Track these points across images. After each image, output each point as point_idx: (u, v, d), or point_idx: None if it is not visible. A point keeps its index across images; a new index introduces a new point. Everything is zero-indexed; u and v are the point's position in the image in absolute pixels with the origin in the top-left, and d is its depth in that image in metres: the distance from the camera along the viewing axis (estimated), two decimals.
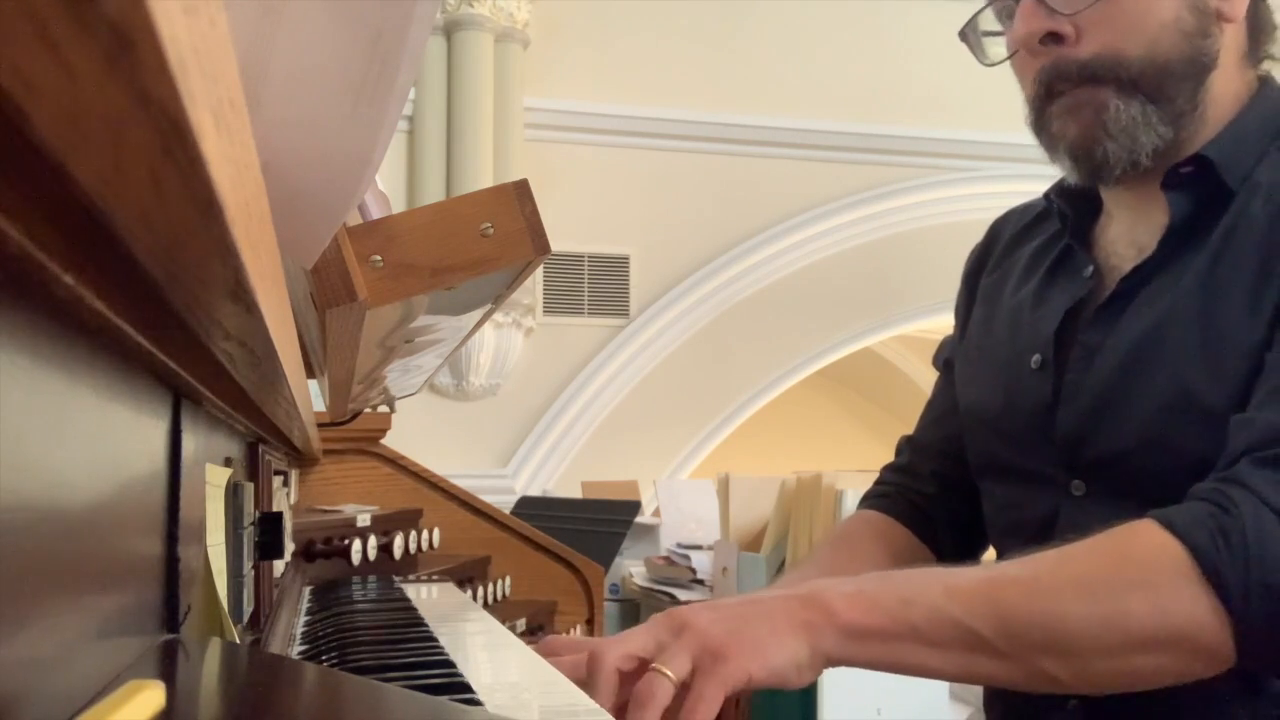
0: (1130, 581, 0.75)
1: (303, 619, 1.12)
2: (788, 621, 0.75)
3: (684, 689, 0.71)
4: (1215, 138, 0.91)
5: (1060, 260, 1.03)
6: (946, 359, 1.17)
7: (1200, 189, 0.90)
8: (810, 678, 0.76)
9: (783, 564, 2.92)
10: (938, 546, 1.11)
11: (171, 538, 0.50)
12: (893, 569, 1.05)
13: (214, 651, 0.52)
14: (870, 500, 1.17)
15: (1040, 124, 0.95)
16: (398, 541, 1.57)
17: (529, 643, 1.03)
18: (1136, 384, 0.89)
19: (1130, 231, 0.97)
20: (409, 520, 1.79)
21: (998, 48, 1.00)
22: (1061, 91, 0.92)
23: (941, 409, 1.15)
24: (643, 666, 0.73)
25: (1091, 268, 0.98)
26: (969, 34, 1.01)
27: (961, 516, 1.11)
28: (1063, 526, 0.94)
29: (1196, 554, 0.74)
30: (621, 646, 0.74)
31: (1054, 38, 0.91)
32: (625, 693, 0.73)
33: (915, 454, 1.16)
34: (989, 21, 1.00)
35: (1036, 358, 0.98)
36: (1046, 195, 1.06)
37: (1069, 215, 1.02)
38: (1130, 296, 0.93)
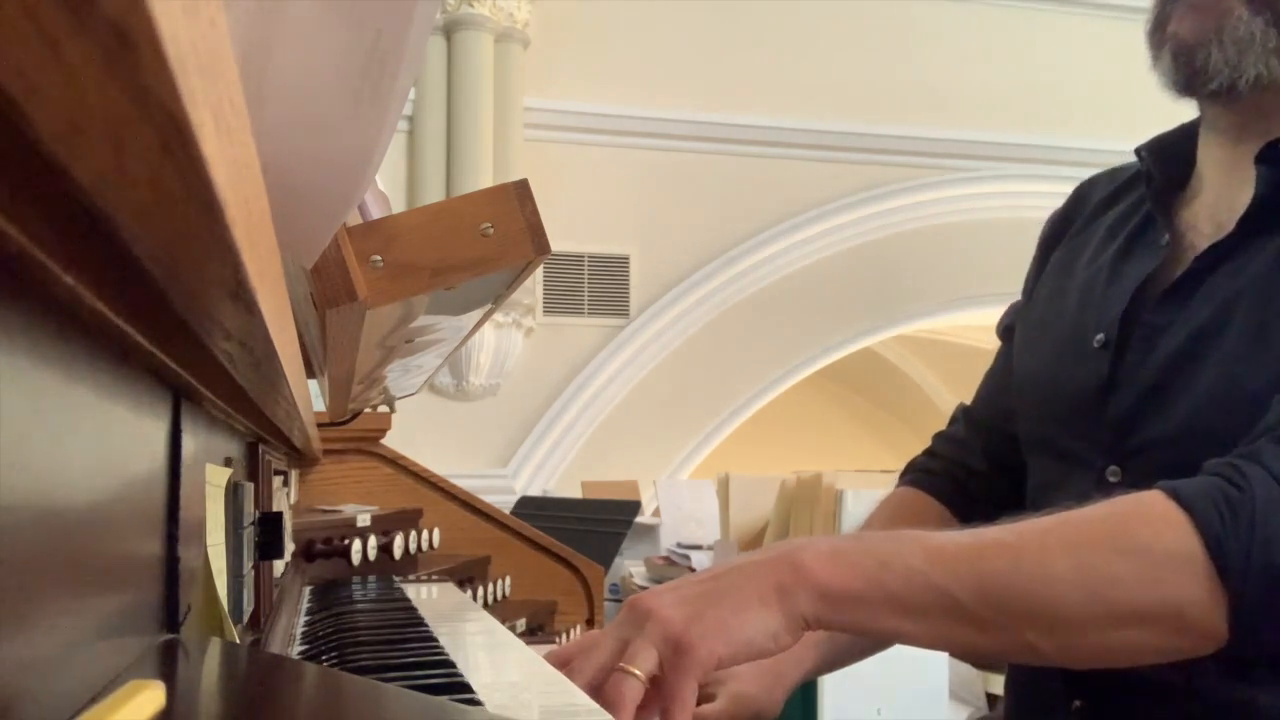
0: (1123, 549, 0.71)
1: (303, 619, 1.12)
2: (756, 589, 0.71)
3: (657, 680, 0.70)
4: None
5: (1140, 229, 0.99)
6: (1008, 325, 1.13)
7: None
8: (790, 642, 0.72)
9: None
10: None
11: (171, 538, 0.50)
12: None
13: (214, 651, 0.52)
14: (914, 474, 1.13)
15: (1157, 22, 0.92)
16: (398, 541, 1.57)
17: (529, 643, 1.03)
18: (1191, 371, 0.86)
19: (1215, 205, 0.94)
20: (409, 520, 1.79)
21: None
22: None
23: (1000, 382, 1.12)
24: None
25: (1167, 237, 0.95)
26: None
27: (1008, 499, 1.08)
28: None
29: (1200, 527, 0.71)
30: (593, 659, 0.72)
31: None
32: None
33: (970, 427, 1.13)
34: None
35: (1100, 336, 0.95)
36: (1138, 150, 1.02)
37: (1155, 176, 0.98)
38: (1201, 278, 0.90)
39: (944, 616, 0.72)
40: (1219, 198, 0.94)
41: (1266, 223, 0.87)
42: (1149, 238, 0.98)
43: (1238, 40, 0.87)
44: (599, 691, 0.70)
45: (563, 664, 0.78)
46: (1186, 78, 0.90)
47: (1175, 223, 0.97)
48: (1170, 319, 0.91)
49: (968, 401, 1.19)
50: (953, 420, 1.17)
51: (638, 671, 0.69)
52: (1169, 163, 0.99)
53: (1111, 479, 0.92)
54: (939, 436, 1.17)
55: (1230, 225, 0.90)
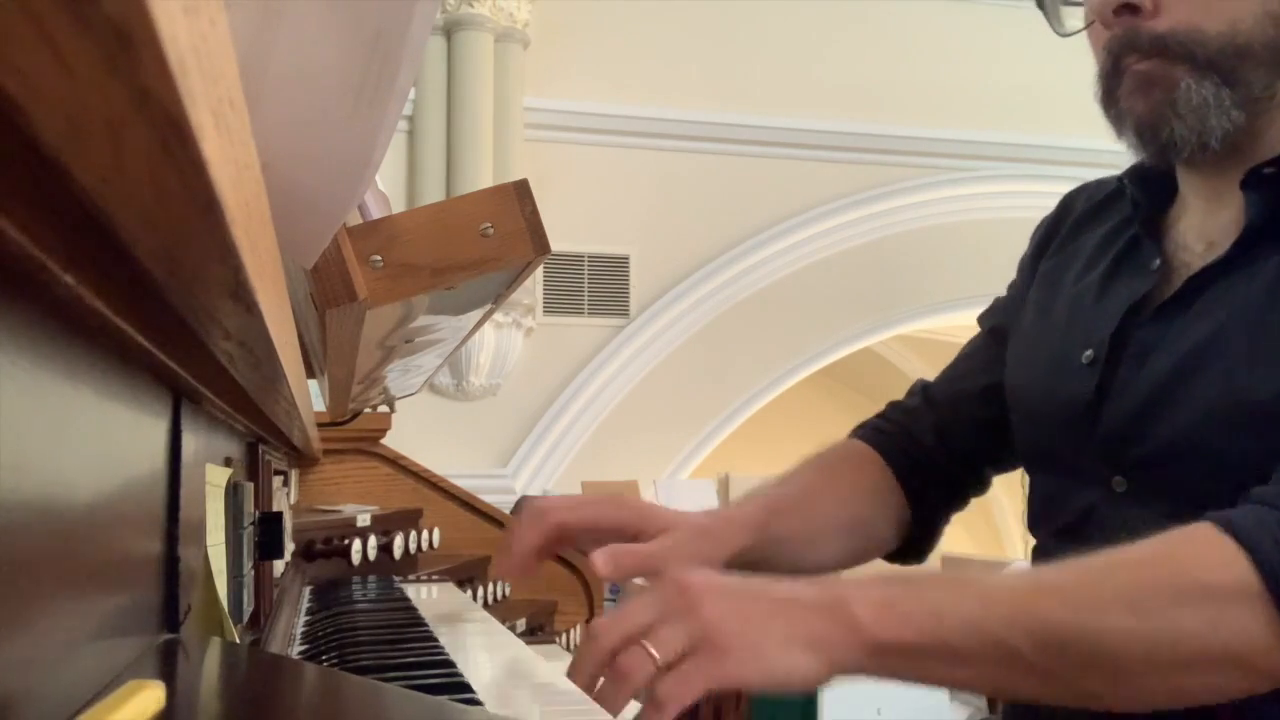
0: (1181, 592, 0.70)
1: (303, 619, 1.12)
2: (805, 630, 0.70)
3: (667, 669, 0.67)
4: None
5: (1127, 250, 0.99)
6: (993, 326, 1.12)
7: None
8: (815, 687, 0.71)
9: None
10: (919, 499, 1.08)
11: (171, 538, 0.50)
12: (856, 513, 1.05)
13: (214, 651, 0.52)
14: (865, 430, 1.13)
15: (1108, 99, 0.92)
16: (398, 541, 1.57)
17: (529, 643, 1.03)
18: (1191, 385, 0.86)
19: (1202, 224, 0.94)
20: (409, 520, 1.79)
21: (1075, 20, 0.96)
22: (1129, 65, 0.88)
23: (967, 368, 1.12)
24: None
25: (1158, 261, 0.95)
26: (1046, 1, 0.98)
27: (948, 479, 1.09)
28: (1098, 522, 0.92)
29: (1260, 564, 0.69)
30: (620, 627, 0.70)
31: (1130, 9, 0.87)
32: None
33: (926, 402, 1.13)
34: None
35: (1089, 353, 0.95)
36: (1120, 178, 1.02)
37: (1141, 203, 0.98)
38: (1194, 298, 0.89)
39: (1001, 665, 0.71)
40: (1206, 217, 0.94)
41: (1259, 243, 0.87)
42: (1138, 260, 0.98)
43: (1194, 109, 0.86)
44: (613, 658, 0.69)
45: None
46: (1156, 151, 0.90)
47: (1164, 245, 0.97)
48: (1162, 336, 0.90)
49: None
50: (910, 393, 1.16)
51: (656, 655, 0.67)
52: (1152, 188, 0.99)
53: (1118, 489, 0.91)
54: (893, 405, 1.15)
55: (1221, 242, 0.90)
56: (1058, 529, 0.97)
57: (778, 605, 0.72)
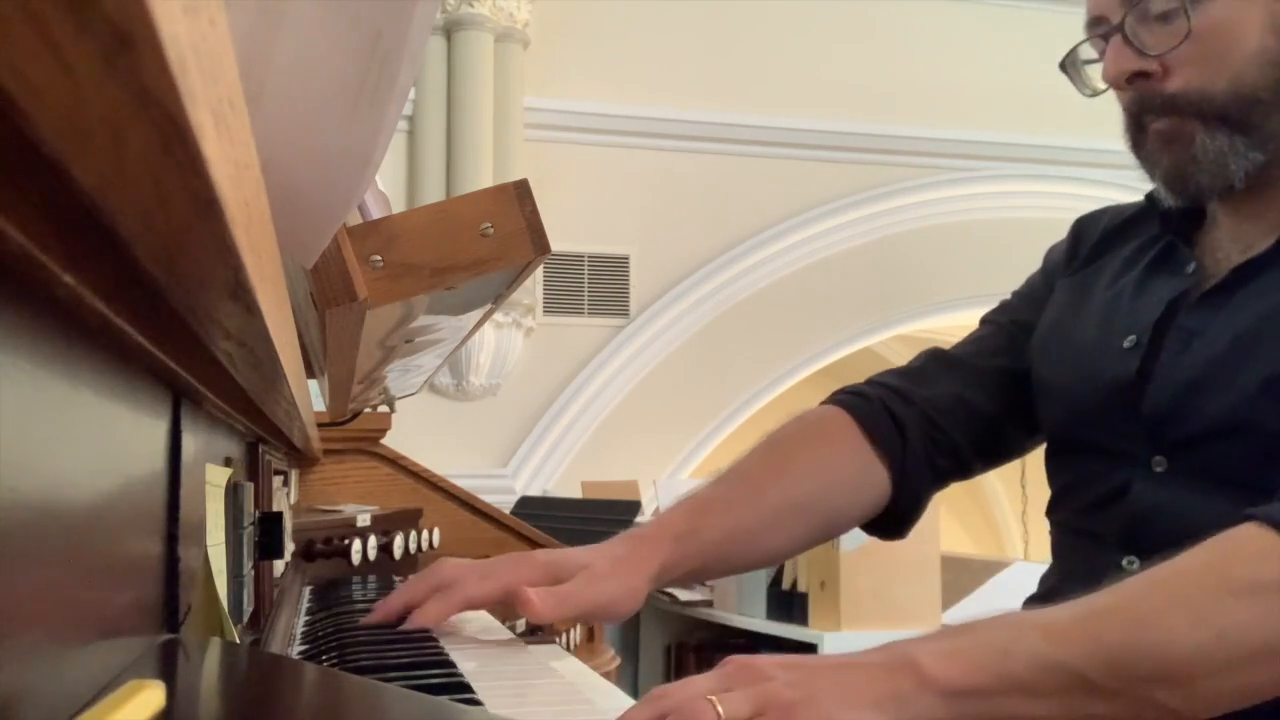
0: (1234, 591, 0.71)
1: (303, 619, 1.12)
2: (874, 692, 0.69)
3: None
4: None
5: (1162, 256, 1.02)
6: (1014, 319, 1.13)
7: None
8: None
9: (780, 567, 2.91)
10: (901, 467, 1.06)
11: (171, 538, 0.50)
12: (809, 492, 1.04)
13: (214, 651, 0.52)
14: (843, 395, 1.11)
15: (1137, 151, 0.98)
16: (398, 541, 1.57)
17: (529, 643, 1.03)
18: (1235, 368, 0.89)
19: (1237, 230, 0.98)
20: (409, 520, 1.79)
21: (1098, 79, 1.01)
22: (1149, 123, 0.95)
23: (984, 346, 1.12)
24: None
25: (1194, 264, 0.99)
26: (1069, 65, 1.03)
27: (945, 446, 1.08)
28: (1132, 500, 0.93)
29: None
30: (685, 690, 0.68)
31: (1142, 76, 0.94)
32: None
33: (940, 364, 1.12)
34: (1088, 51, 1.02)
35: (1131, 339, 0.98)
36: (1149, 195, 1.06)
37: (1173, 214, 1.02)
38: (1237, 288, 0.93)
39: (1072, 694, 0.71)
40: (1241, 223, 0.98)
41: None
42: (1172, 265, 1.01)
43: (1213, 159, 0.92)
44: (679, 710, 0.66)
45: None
46: (1190, 197, 0.96)
47: (1198, 250, 1.00)
48: (1205, 323, 0.93)
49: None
50: (914, 359, 1.15)
51: (721, 711, 0.65)
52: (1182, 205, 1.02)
53: (1158, 469, 0.93)
54: (887, 371, 1.14)
55: (1258, 244, 0.94)
56: (1084, 506, 0.97)
57: (843, 670, 0.71)
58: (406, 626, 0.93)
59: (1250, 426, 0.86)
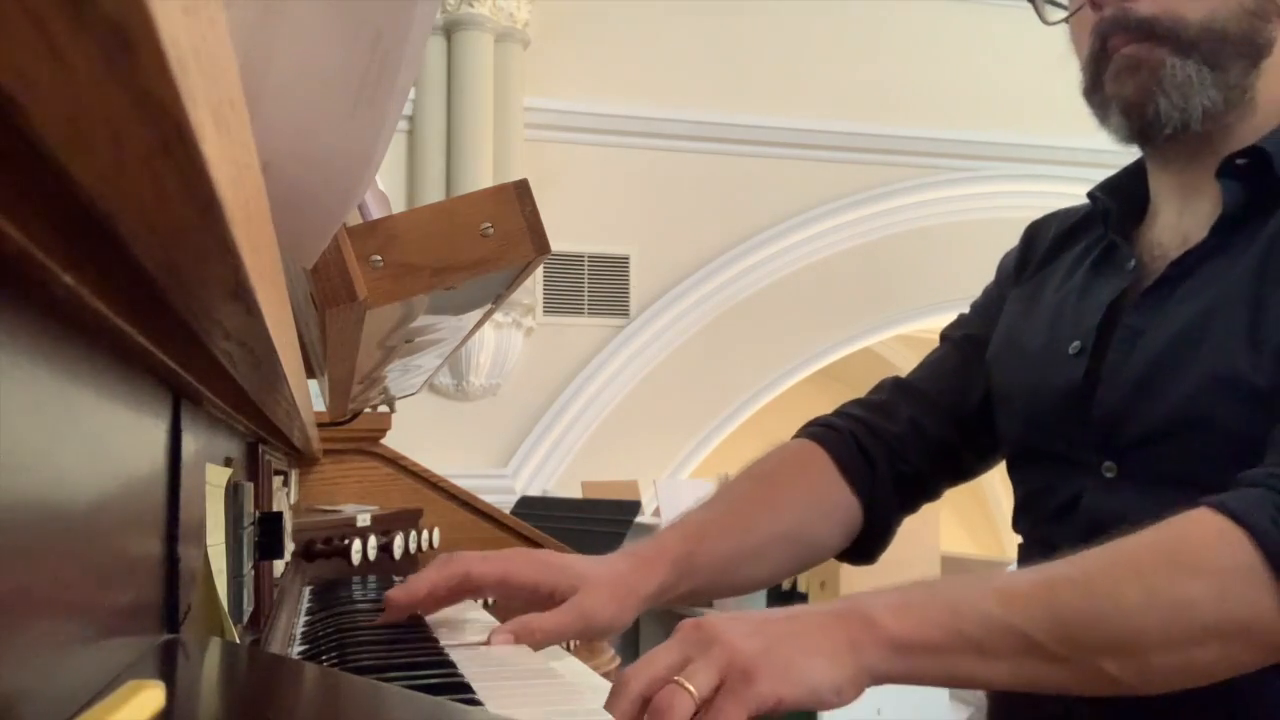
0: (1188, 569, 0.72)
1: (303, 619, 1.12)
2: (828, 640, 0.71)
3: (705, 705, 0.67)
4: (1271, 133, 0.92)
5: (1103, 257, 1.02)
6: (967, 334, 1.14)
7: (1254, 181, 0.90)
8: (851, 697, 0.72)
9: None
10: (870, 498, 1.08)
11: (171, 538, 0.50)
12: (793, 521, 1.04)
13: (214, 651, 0.52)
14: (814, 428, 1.13)
15: (1094, 85, 0.97)
16: (398, 541, 1.57)
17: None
18: (1182, 364, 0.88)
19: (1176, 224, 0.97)
20: (409, 520, 1.79)
21: (1062, 12, 1.01)
22: (1116, 47, 0.93)
23: (939, 370, 1.13)
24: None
25: (1134, 261, 0.98)
26: None
27: (909, 475, 1.09)
28: (1086, 508, 0.93)
29: (1258, 538, 0.71)
30: (649, 670, 0.70)
31: None
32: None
33: (899, 394, 1.13)
34: None
35: (1076, 344, 0.97)
36: (1091, 194, 1.05)
37: (1112, 211, 1.02)
38: (1177, 282, 0.93)
39: (1021, 656, 0.72)
40: (1180, 217, 0.97)
41: (1237, 230, 0.90)
42: (1114, 262, 1.01)
43: (1179, 85, 0.92)
44: (647, 702, 0.68)
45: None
46: (1141, 130, 0.95)
47: (1138, 248, 1.00)
48: (1148, 322, 0.93)
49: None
50: (875, 389, 1.16)
51: (693, 689, 0.67)
52: (1123, 198, 1.02)
53: (1108, 474, 0.93)
54: (851, 402, 1.16)
55: (1197, 236, 0.93)
56: (1044, 516, 0.98)
57: (796, 622, 0.72)
58: (394, 594, 0.95)
59: (1199, 424, 0.86)
